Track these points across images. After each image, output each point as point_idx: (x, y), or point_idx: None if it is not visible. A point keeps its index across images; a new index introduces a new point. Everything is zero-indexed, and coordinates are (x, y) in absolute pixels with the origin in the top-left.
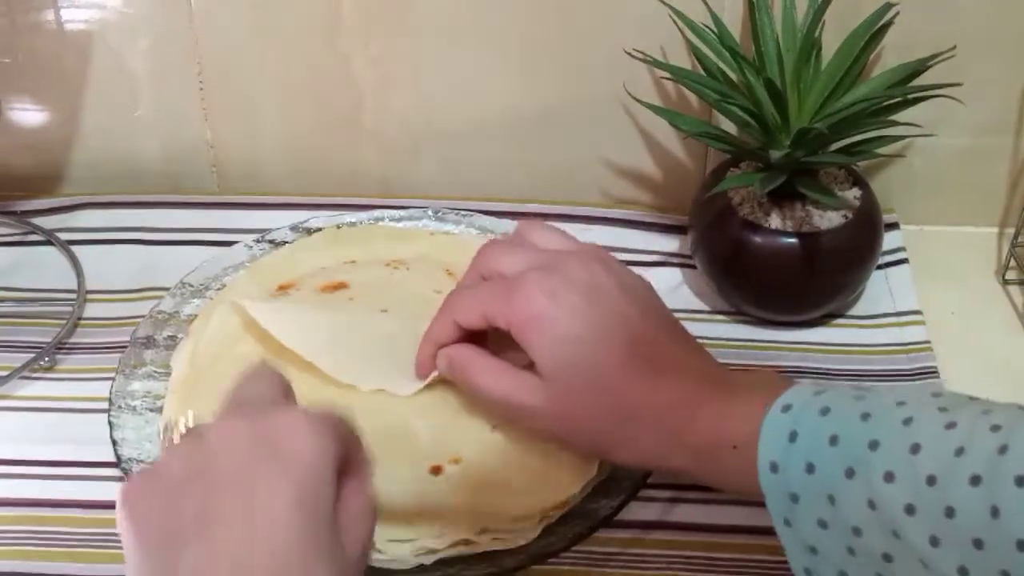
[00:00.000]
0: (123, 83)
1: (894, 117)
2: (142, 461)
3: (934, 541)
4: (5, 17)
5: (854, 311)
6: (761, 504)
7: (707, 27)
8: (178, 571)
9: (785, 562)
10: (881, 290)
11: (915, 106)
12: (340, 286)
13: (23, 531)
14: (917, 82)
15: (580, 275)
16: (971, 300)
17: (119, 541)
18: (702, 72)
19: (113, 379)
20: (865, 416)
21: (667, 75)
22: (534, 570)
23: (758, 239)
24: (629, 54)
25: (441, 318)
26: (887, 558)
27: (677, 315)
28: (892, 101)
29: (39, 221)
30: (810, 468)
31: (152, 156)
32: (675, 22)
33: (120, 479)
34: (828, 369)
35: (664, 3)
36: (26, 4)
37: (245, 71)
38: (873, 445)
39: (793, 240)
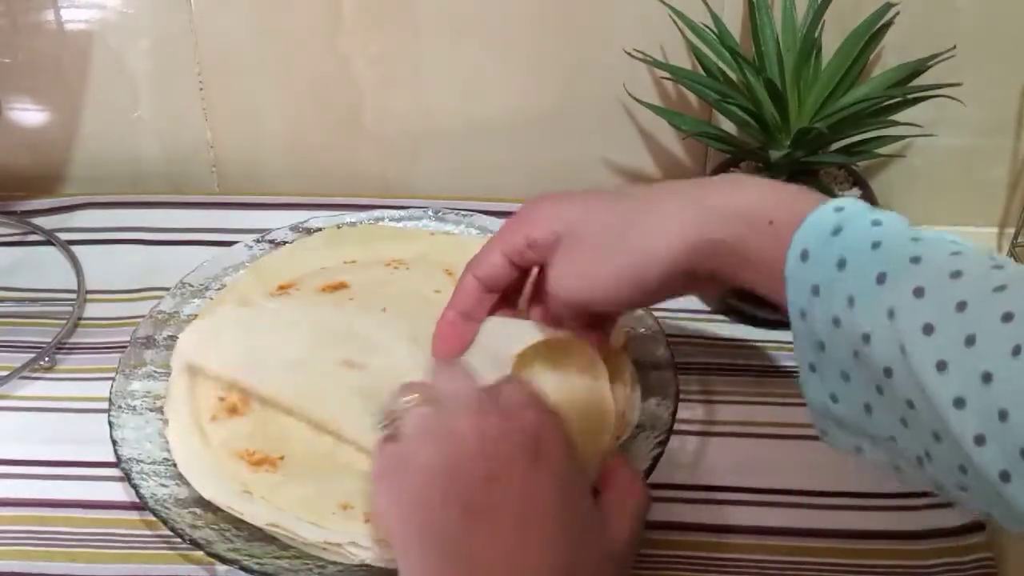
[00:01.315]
0: (123, 83)
1: (894, 117)
2: (142, 461)
3: (941, 366)
4: (5, 17)
5: None
6: (760, 504)
7: (707, 27)
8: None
9: (784, 562)
10: None
11: (915, 106)
12: (340, 286)
13: (23, 531)
14: (917, 82)
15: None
16: None
17: (119, 541)
18: (702, 72)
19: (113, 379)
20: (916, 239)
21: (667, 75)
22: None
23: None
24: (629, 54)
25: (461, 282)
26: (887, 372)
27: (677, 315)
28: (892, 101)
29: (39, 221)
30: (842, 264)
31: (152, 156)
32: (675, 22)
33: (120, 479)
34: None
35: (664, 3)
36: (26, 4)
37: (245, 71)
38: (915, 260)
39: None
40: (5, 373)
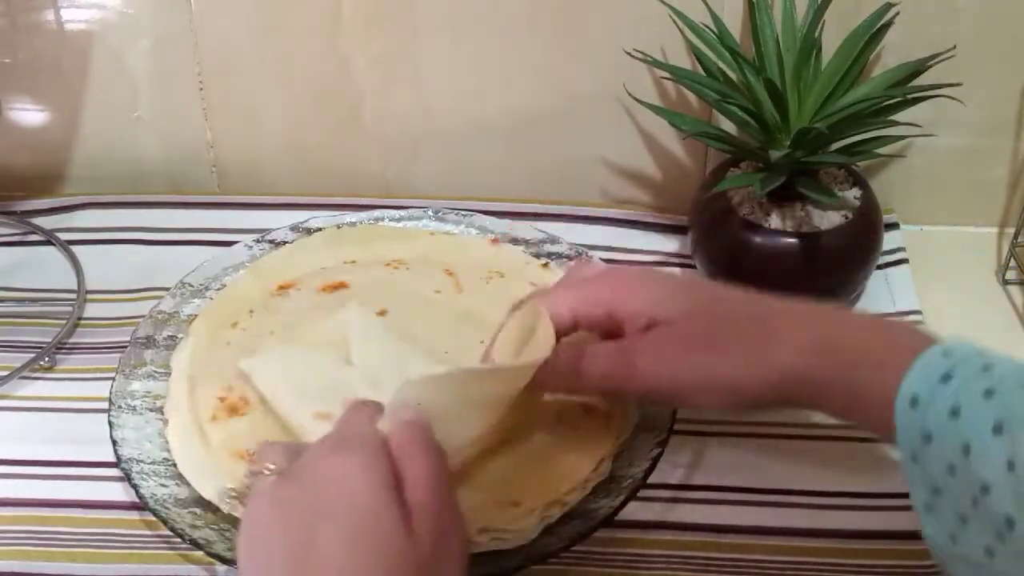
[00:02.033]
0: (123, 83)
1: (894, 117)
2: (142, 461)
3: None
4: (5, 17)
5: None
6: (760, 504)
7: (707, 27)
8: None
9: (784, 562)
10: (881, 290)
11: (915, 106)
12: (340, 286)
13: (23, 531)
14: (917, 82)
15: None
16: (971, 300)
17: (119, 541)
18: (702, 72)
19: (113, 379)
20: None
21: (667, 75)
22: (534, 570)
23: (758, 239)
24: (629, 54)
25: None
26: (1009, 522)
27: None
28: (892, 101)
29: (39, 221)
30: (954, 413)
31: (152, 156)
32: (675, 22)
33: (120, 479)
34: None
35: (664, 3)
36: (26, 4)
37: (245, 71)
38: None
39: (793, 240)
40: (5, 373)
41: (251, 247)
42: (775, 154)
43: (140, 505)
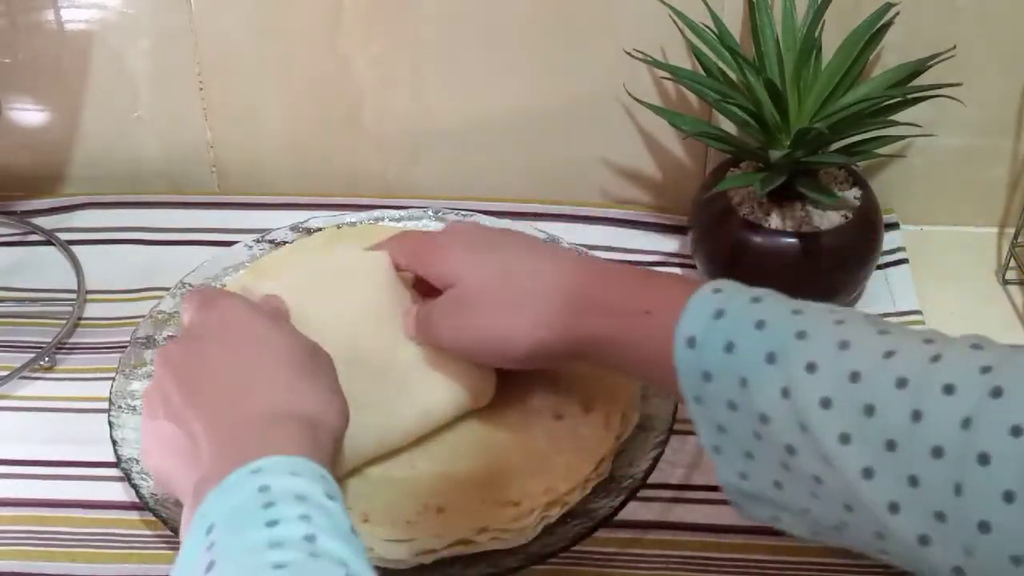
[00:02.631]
0: (123, 83)
1: (894, 117)
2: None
3: (844, 438)
4: (5, 17)
5: None
6: None
7: (707, 27)
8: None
9: (784, 562)
10: (881, 290)
11: (915, 106)
12: None
13: (23, 531)
14: (917, 82)
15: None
16: (971, 300)
17: (119, 541)
18: (702, 72)
19: (113, 379)
20: (797, 311)
21: (667, 75)
22: (534, 570)
23: (758, 239)
24: (629, 54)
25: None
26: (790, 450)
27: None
28: (892, 101)
29: (39, 221)
30: (729, 347)
31: (152, 156)
32: (675, 22)
33: (120, 479)
34: None
35: (664, 3)
36: (26, 4)
37: (245, 71)
38: (800, 335)
39: (793, 240)
40: (5, 373)
41: (251, 247)
42: (775, 154)
43: (140, 505)
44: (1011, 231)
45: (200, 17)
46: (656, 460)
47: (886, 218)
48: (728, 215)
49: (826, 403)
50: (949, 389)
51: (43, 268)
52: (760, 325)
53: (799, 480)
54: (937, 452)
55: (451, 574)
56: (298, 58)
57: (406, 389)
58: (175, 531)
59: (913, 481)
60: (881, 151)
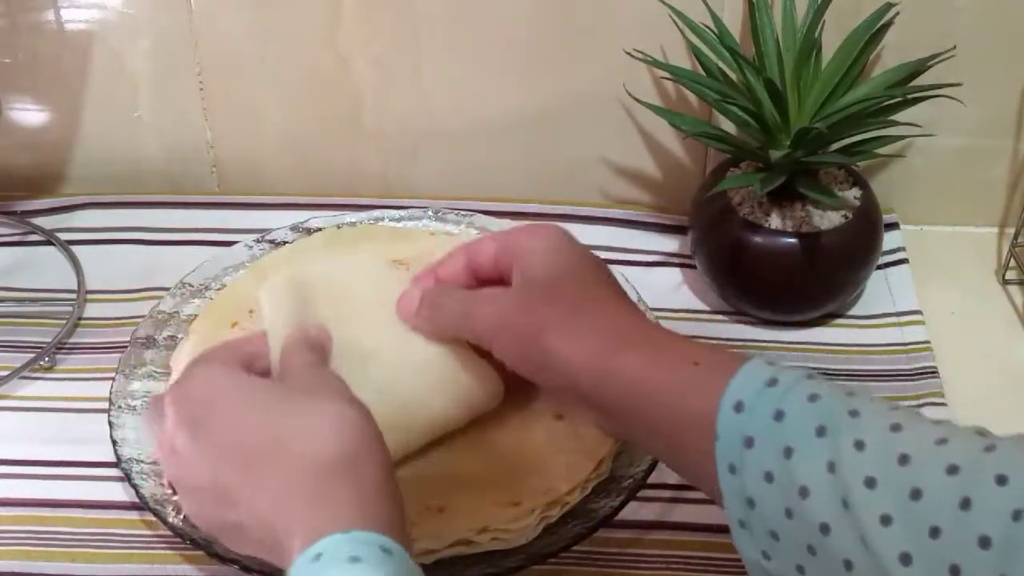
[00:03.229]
0: (123, 83)
1: (894, 117)
2: (142, 461)
3: (885, 520)
4: (5, 17)
5: (854, 311)
6: None
7: (707, 27)
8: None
9: None
10: (881, 290)
11: (915, 106)
12: None
13: (23, 531)
14: (917, 82)
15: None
16: (971, 300)
17: (119, 541)
18: (702, 72)
19: (113, 379)
20: (850, 393)
21: (667, 75)
22: (534, 570)
23: (758, 239)
24: (629, 54)
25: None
26: (824, 529)
27: (677, 315)
28: (892, 101)
29: (39, 221)
30: (779, 415)
31: (152, 156)
32: (675, 22)
33: (120, 479)
34: (828, 369)
35: (664, 3)
36: (26, 4)
37: (245, 71)
38: (853, 413)
39: (793, 240)
40: (5, 373)
41: (251, 247)
42: (775, 154)
43: (140, 505)
44: (1011, 231)
45: (200, 17)
46: (656, 460)
47: (886, 218)
48: (728, 215)
49: (871, 483)
50: (1002, 480)
51: (43, 268)
52: (813, 398)
53: (825, 566)
54: (984, 542)
55: (451, 574)
56: (298, 58)
57: (418, 395)
58: (175, 531)
59: (954, 571)
60: (881, 151)
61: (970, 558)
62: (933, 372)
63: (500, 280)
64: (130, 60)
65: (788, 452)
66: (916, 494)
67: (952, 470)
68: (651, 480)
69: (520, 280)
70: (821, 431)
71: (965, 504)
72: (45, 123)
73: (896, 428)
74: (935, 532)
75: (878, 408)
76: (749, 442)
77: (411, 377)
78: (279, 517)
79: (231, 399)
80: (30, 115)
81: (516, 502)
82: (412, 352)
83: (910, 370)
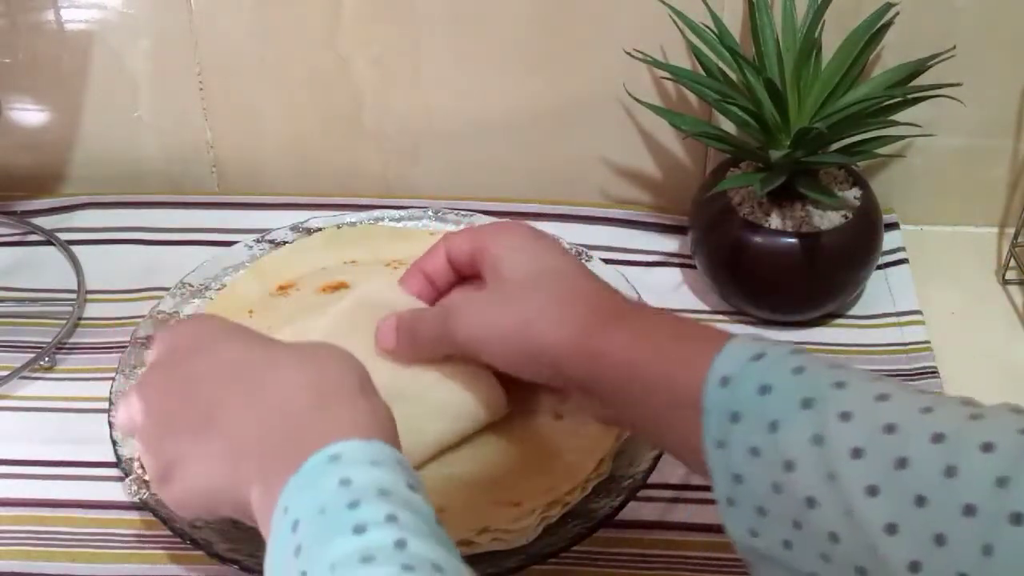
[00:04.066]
0: (123, 83)
1: (894, 117)
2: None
3: (871, 490)
4: (5, 17)
5: (854, 311)
6: None
7: (707, 27)
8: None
9: None
10: (881, 290)
11: (915, 106)
12: (340, 286)
13: (23, 531)
14: (917, 82)
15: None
16: (971, 300)
17: (119, 541)
18: (702, 72)
19: (113, 379)
20: (836, 365)
21: (667, 75)
22: (534, 570)
23: (758, 239)
24: (629, 54)
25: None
26: (810, 502)
27: (677, 315)
28: (892, 101)
29: (39, 221)
30: (764, 389)
31: (152, 156)
32: (675, 22)
33: (120, 479)
34: None
35: (664, 3)
36: (26, 4)
37: (245, 71)
38: (839, 385)
39: (793, 240)
40: (5, 373)
41: (251, 247)
42: (775, 154)
43: (140, 505)
44: (1011, 231)
45: (200, 17)
46: (656, 460)
47: (886, 218)
48: (728, 215)
49: (857, 453)
50: (987, 447)
51: (43, 268)
52: (799, 371)
53: (811, 540)
54: (969, 510)
55: None
56: (298, 58)
57: (424, 408)
58: (175, 531)
59: (939, 540)
60: (881, 151)
61: (955, 526)
62: (933, 372)
63: (479, 275)
64: (130, 60)
65: (774, 426)
66: (902, 463)
67: (938, 438)
68: (651, 480)
69: (494, 281)
70: (807, 403)
71: (950, 472)
72: (45, 123)
73: (882, 398)
74: (920, 501)
75: (864, 379)
76: (735, 417)
77: (412, 407)
78: (271, 432)
79: (228, 333)
80: (30, 115)
81: (516, 502)
82: (408, 383)
83: (910, 370)
